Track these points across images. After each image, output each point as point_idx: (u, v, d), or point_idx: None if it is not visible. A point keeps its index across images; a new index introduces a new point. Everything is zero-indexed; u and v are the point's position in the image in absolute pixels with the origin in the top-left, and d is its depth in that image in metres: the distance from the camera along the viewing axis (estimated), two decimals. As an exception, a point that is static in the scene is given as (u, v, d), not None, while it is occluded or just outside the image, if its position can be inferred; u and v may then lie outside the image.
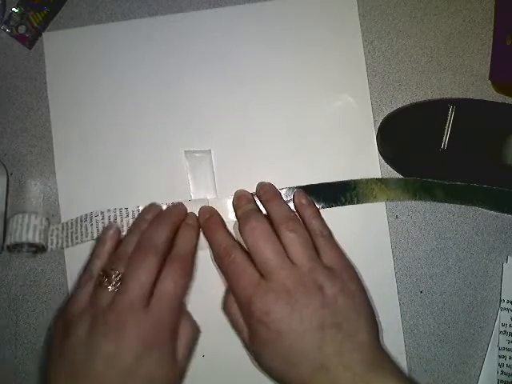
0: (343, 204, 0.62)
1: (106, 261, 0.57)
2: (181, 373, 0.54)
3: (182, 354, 0.54)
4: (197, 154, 0.63)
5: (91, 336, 0.51)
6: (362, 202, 0.62)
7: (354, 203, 0.62)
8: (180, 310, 0.55)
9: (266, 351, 0.52)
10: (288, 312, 0.51)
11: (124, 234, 0.60)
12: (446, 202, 0.62)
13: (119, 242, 0.59)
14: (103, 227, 0.61)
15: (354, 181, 0.62)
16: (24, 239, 0.60)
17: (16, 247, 0.61)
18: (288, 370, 0.51)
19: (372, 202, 0.62)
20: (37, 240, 0.60)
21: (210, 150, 0.64)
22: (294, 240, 0.55)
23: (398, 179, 0.63)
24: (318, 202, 0.62)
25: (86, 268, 0.57)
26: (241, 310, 0.55)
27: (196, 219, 0.61)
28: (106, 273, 0.55)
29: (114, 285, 0.53)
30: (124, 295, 0.52)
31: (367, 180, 0.62)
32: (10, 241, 0.60)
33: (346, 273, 0.55)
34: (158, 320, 0.52)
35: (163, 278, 0.54)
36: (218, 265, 0.57)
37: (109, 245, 0.58)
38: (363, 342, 0.51)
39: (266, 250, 0.54)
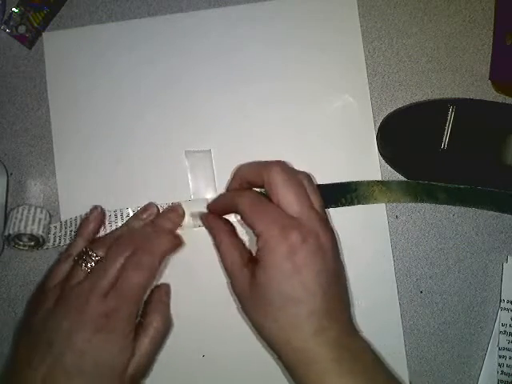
0: (343, 205, 0.62)
1: (88, 241, 0.58)
2: (139, 366, 0.54)
3: (145, 348, 0.54)
4: (197, 154, 0.63)
5: (54, 311, 0.53)
6: (363, 204, 0.62)
7: (354, 204, 0.62)
8: (141, 301, 0.55)
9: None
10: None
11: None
12: (448, 204, 0.62)
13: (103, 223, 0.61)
14: (103, 226, 0.61)
15: (354, 182, 0.62)
16: (28, 230, 0.60)
17: (15, 239, 0.61)
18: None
19: (372, 203, 0.62)
20: (40, 232, 0.60)
21: (210, 150, 0.64)
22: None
23: (400, 182, 0.63)
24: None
25: (68, 246, 0.59)
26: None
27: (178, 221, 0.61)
28: (85, 253, 0.56)
29: (89, 267, 0.55)
30: (92, 278, 0.54)
31: (368, 182, 0.62)
32: (12, 230, 0.60)
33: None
34: (114, 308, 0.53)
35: (127, 267, 0.54)
36: None
37: (92, 225, 0.59)
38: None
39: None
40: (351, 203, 0.62)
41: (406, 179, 0.63)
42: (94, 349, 0.51)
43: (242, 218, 0.54)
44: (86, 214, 0.61)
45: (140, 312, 0.56)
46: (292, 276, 0.50)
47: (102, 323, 0.52)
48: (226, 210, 0.58)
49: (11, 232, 0.60)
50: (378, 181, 0.63)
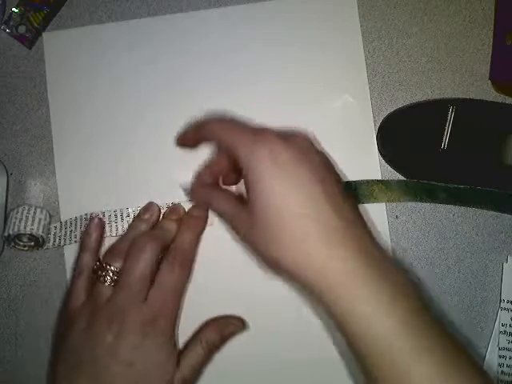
0: None
1: (94, 254, 0.59)
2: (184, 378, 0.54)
3: (191, 360, 0.55)
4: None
5: (92, 328, 0.53)
6: (362, 203, 0.62)
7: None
8: (179, 302, 0.56)
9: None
10: None
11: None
12: (448, 203, 0.62)
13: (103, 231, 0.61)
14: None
15: (354, 182, 0.62)
16: (28, 230, 0.60)
17: (15, 239, 0.61)
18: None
19: (372, 202, 0.62)
20: (40, 233, 0.60)
21: None
22: None
23: (399, 181, 0.63)
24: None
25: (77, 262, 0.59)
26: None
27: (203, 211, 0.60)
28: (101, 268, 0.56)
29: (112, 279, 0.55)
30: (123, 288, 0.54)
31: (368, 181, 0.62)
32: (12, 230, 0.60)
33: None
34: (157, 311, 0.53)
35: (163, 269, 0.55)
36: None
37: (94, 236, 0.59)
38: None
39: None
40: None
41: (406, 179, 0.63)
42: (142, 356, 0.52)
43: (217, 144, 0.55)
44: (86, 215, 0.61)
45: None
46: (283, 191, 0.48)
47: (148, 329, 0.52)
48: (197, 139, 0.58)
49: (11, 232, 0.60)
50: (377, 180, 0.63)
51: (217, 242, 0.62)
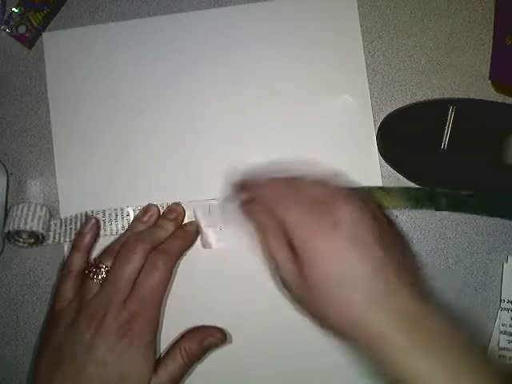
0: None
1: (86, 254, 0.59)
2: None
3: (169, 370, 0.54)
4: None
5: (74, 324, 0.53)
6: None
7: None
8: (161, 303, 0.55)
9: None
10: None
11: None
12: (449, 210, 0.62)
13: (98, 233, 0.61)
14: (103, 224, 0.62)
15: (355, 188, 0.61)
16: (28, 227, 0.60)
17: (15, 235, 0.61)
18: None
19: None
20: (40, 230, 0.61)
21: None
22: None
23: (401, 188, 0.62)
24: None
25: (66, 262, 0.59)
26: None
27: (195, 228, 0.61)
28: (95, 266, 0.56)
29: (101, 278, 0.55)
30: (107, 288, 0.54)
31: (370, 188, 0.62)
32: (12, 227, 0.60)
33: None
34: (134, 312, 0.53)
35: (144, 270, 0.55)
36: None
37: (88, 237, 0.59)
38: None
39: None
40: None
41: (406, 179, 0.63)
42: (117, 358, 0.52)
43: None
44: (86, 213, 0.61)
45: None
46: (334, 258, 0.48)
47: (124, 330, 0.52)
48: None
49: (11, 229, 0.60)
50: (379, 186, 0.62)
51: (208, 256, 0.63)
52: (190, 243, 0.60)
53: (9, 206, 0.63)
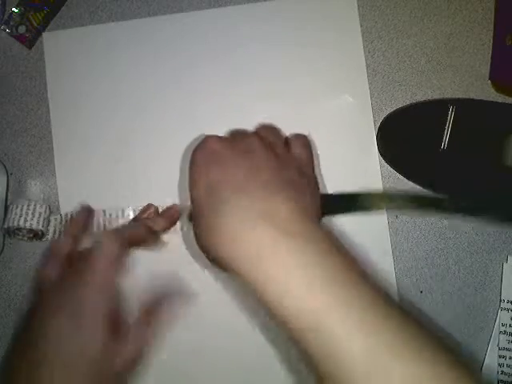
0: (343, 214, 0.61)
1: (75, 241, 0.57)
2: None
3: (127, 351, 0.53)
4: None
5: (38, 305, 0.52)
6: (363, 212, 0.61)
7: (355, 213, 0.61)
8: (106, 289, 0.53)
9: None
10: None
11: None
12: (451, 213, 0.62)
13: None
14: (104, 223, 0.62)
15: (357, 194, 0.60)
16: (28, 225, 0.60)
17: (15, 231, 0.61)
18: None
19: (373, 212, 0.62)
20: (40, 227, 0.61)
21: None
22: None
23: (404, 193, 0.62)
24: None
25: (52, 245, 0.57)
26: None
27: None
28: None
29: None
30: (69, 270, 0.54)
31: (372, 195, 0.62)
32: (12, 224, 0.60)
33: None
34: (82, 295, 0.52)
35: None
36: None
37: (78, 222, 0.59)
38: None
39: None
40: (352, 212, 0.61)
41: (406, 179, 0.63)
42: (67, 335, 0.50)
43: None
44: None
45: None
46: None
47: (73, 309, 0.51)
48: None
49: (10, 225, 0.60)
50: (382, 193, 0.63)
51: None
52: (144, 240, 0.58)
53: (9, 203, 0.63)
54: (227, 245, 0.46)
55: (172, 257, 0.61)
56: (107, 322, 0.51)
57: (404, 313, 0.42)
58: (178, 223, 0.61)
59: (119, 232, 0.56)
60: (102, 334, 0.51)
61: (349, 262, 0.44)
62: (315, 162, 0.56)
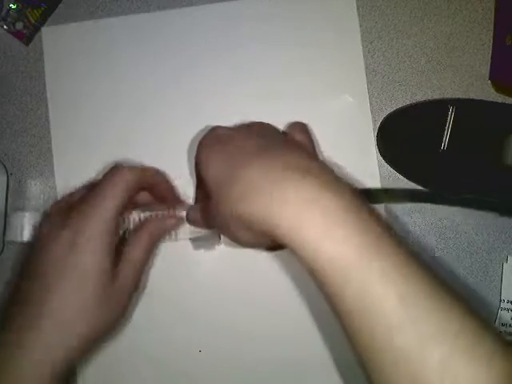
0: None
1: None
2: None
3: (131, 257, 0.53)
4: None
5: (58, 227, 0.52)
6: None
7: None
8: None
9: None
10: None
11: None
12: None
13: None
14: None
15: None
16: (25, 238, 0.60)
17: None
18: None
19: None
20: None
21: None
22: None
23: (404, 190, 0.63)
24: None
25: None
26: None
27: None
28: None
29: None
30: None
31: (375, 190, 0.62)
32: (9, 237, 0.60)
33: None
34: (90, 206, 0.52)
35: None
36: None
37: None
38: None
39: None
40: None
41: (406, 179, 0.63)
42: (65, 256, 0.50)
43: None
44: None
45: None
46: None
47: (73, 234, 0.50)
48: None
49: (8, 239, 0.60)
50: (383, 189, 0.63)
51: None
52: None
53: (9, 207, 0.63)
54: (263, 200, 0.43)
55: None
56: (106, 249, 0.51)
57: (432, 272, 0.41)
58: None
59: (133, 168, 0.55)
60: (100, 258, 0.50)
61: (379, 218, 0.43)
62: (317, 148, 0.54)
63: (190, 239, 0.59)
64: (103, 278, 0.50)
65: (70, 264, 0.50)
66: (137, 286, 0.53)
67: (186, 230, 0.57)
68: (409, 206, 0.63)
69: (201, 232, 0.57)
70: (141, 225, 0.55)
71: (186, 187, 0.61)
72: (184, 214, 0.56)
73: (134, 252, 0.53)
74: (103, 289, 0.50)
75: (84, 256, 0.50)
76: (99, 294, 0.50)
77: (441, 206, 0.63)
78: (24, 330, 0.49)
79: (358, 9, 0.65)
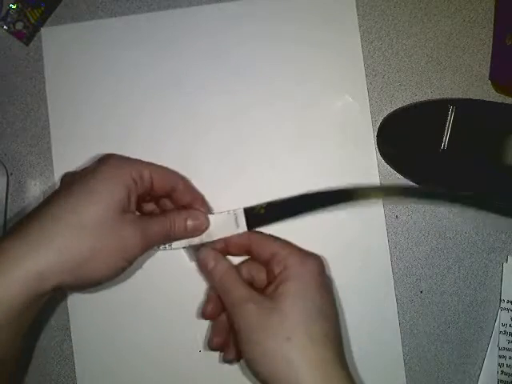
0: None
1: None
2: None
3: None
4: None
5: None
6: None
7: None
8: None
9: None
10: None
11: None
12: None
13: None
14: None
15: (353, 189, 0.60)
16: None
17: None
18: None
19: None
20: None
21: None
22: None
23: (399, 186, 0.63)
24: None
25: None
26: None
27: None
28: None
29: None
30: None
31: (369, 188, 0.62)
32: None
33: None
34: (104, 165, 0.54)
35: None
36: None
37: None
38: None
39: None
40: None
41: (406, 179, 0.63)
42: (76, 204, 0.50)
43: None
44: None
45: None
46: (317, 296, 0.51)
47: (84, 187, 0.51)
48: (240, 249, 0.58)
49: None
50: (378, 187, 0.63)
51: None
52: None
53: (9, 207, 0.63)
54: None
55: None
56: (116, 204, 0.51)
57: None
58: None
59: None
60: (107, 211, 0.51)
61: None
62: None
63: (184, 248, 0.59)
64: (109, 216, 0.50)
65: (84, 190, 0.51)
66: (131, 257, 0.53)
67: (183, 240, 0.57)
68: (409, 205, 0.63)
69: (195, 241, 0.57)
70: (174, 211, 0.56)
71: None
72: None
73: (153, 226, 0.54)
74: (105, 225, 0.50)
75: (97, 186, 0.51)
76: (101, 226, 0.50)
77: (440, 206, 0.63)
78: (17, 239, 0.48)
79: (357, 9, 0.65)
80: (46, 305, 0.50)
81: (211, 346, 0.57)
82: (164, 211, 0.57)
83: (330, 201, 0.58)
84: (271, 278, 0.54)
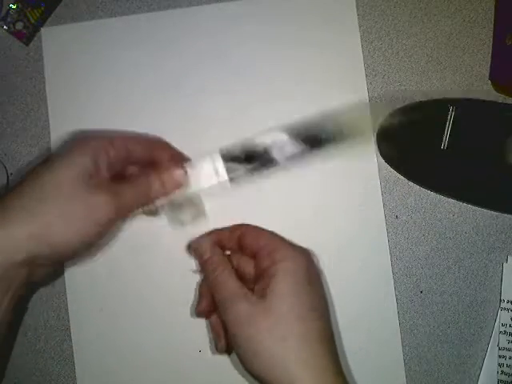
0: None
1: None
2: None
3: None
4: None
5: None
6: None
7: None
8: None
9: None
10: None
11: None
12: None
13: None
14: None
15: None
16: None
17: None
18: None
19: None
20: None
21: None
22: None
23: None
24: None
25: None
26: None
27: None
28: None
29: None
30: None
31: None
32: None
33: None
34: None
35: None
36: None
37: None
38: None
39: None
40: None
41: (406, 179, 0.63)
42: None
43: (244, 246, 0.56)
44: None
45: None
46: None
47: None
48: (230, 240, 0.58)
49: None
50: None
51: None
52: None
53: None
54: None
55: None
56: (79, 171, 0.52)
57: None
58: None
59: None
60: (70, 178, 0.51)
61: None
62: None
63: (167, 214, 0.59)
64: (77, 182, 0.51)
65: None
66: (102, 221, 0.53)
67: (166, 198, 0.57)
68: (409, 205, 0.63)
69: (178, 198, 0.58)
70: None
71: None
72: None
73: (127, 188, 0.54)
74: (69, 192, 0.51)
75: (58, 158, 0.53)
76: (65, 193, 0.51)
77: (441, 206, 0.63)
78: None
79: (357, 9, 0.65)
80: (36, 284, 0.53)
81: (198, 310, 0.58)
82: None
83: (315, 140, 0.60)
84: (259, 271, 0.54)
